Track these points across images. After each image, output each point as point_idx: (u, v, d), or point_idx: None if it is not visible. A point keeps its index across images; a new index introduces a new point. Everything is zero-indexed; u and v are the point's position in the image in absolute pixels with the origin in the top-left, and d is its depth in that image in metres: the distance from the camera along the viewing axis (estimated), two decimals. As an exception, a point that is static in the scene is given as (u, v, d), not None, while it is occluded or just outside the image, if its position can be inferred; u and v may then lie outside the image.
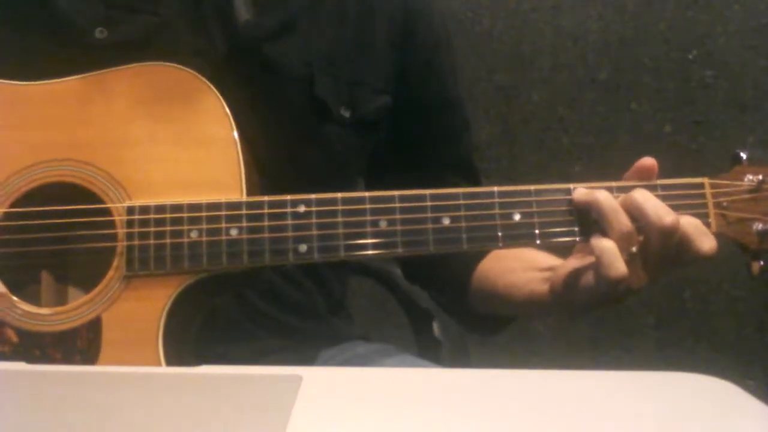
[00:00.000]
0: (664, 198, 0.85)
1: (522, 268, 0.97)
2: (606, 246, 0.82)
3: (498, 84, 2.00)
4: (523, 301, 0.96)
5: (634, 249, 0.83)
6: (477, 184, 1.12)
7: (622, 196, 0.85)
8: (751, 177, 0.86)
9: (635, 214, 0.83)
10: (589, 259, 0.86)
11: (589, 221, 0.85)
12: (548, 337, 2.03)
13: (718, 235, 0.85)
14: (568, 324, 2.01)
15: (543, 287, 0.92)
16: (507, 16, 1.98)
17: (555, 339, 2.03)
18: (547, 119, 1.99)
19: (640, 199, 0.83)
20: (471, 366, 1.17)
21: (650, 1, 1.94)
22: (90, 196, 0.87)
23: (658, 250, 0.83)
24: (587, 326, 2.03)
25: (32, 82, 0.90)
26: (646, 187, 0.85)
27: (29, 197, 0.87)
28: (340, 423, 0.60)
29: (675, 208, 0.84)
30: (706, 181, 0.87)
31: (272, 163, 0.92)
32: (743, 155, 0.88)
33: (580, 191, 0.85)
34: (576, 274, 0.87)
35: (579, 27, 1.96)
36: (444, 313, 1.19)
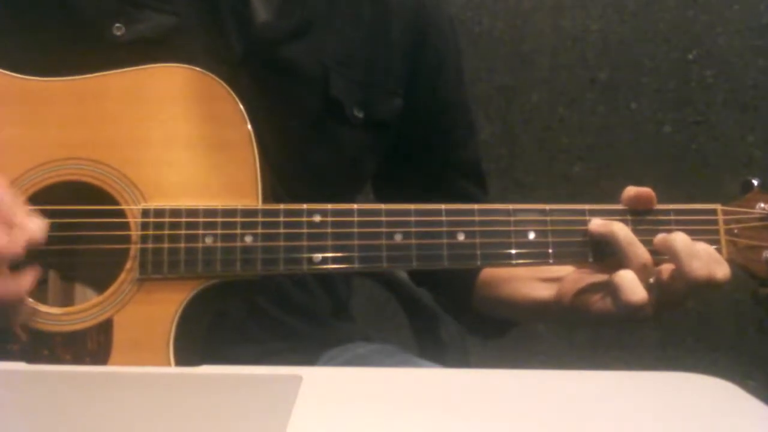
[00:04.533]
0: (676, 223, 0.85)
1: (528, 275, 0.97)
2: (626, 276, 0.82)
3: (498, 84, 2.00)
4: (528, 309, 0.97)
5: (651, 280, 0.83)
6: (484, 187, 1.13)
7: (661, 235, 0.84)
8: (763, 205, 0.87)
9: (668, 254, 0.83)
10: (601, 277, 0.86)
11: (602, 243, 0.85)
12: (548, 337, 2.03)
13: (727, 262, 0.85)
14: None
15: (549, 297, 0.93)
16: (507, 16, 1.98)
17: (555, 339, 2.03)
18: (547, 119, 1.99)
19: (679, 246, 0.83)
20: (471, 366, 1.18)
21: (650, 1, 1.94)
22: (104, 197, 0.86)
23: (681, 291, 0.83)
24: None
25: (50, 79, 0.89)
26: (660, 211, 0.85)
27: (44, 195, 0.86)
28: (340, 423, 0.60)
29: (687, 233, 0.83)
30: (719, 207, 0.87)
31: (284, 162, 0.92)
32: (755, 182, 0.88)
33: (596, 222, 0.85)
34: (589, 294, 0.87)
35: (579, 27, 1.96)
36: (445, 314, 1.19)
